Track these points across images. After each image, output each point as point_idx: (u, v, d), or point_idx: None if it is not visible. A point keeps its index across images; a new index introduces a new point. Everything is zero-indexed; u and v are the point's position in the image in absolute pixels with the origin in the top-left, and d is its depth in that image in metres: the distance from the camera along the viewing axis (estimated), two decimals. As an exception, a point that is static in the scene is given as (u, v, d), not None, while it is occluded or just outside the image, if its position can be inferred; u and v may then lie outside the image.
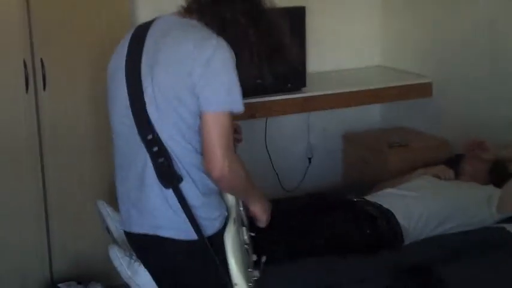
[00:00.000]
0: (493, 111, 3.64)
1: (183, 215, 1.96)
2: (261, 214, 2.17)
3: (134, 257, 2.33)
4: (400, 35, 4.36)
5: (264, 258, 2.17)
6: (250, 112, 3.61)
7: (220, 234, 2.02)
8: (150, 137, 1.94)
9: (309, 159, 4.40)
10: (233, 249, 2.00)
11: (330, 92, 3.88)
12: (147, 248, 2.08)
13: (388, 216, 3.04)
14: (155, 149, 1.94)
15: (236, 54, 1.92)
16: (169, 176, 1.95)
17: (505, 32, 3.53)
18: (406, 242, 2.99)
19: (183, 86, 1.88)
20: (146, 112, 1.94)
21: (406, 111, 4.34)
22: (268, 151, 4.20)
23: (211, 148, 1.87)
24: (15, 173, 3.16)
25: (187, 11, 2.02)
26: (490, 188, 3.25)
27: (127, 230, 2.11)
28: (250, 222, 2.23)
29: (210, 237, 1.99)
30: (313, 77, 4.02)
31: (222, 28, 1.95)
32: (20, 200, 3.18)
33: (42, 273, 3.28)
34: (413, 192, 3.22)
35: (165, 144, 1.94)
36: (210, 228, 2.00)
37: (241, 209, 2.16)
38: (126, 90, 1.98)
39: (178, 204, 1.95)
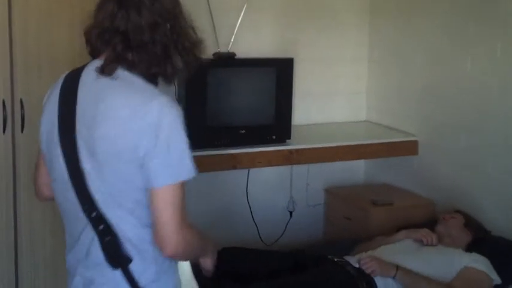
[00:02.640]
0: (482, 173, 3.59)
1: None
2: (210, 266, 2.07)
3: None
4: (386, 91, 4.35)
5: None
6: (232, 163, 3.56)
7: None
8: (94, 214, 1.81)
9: (290, 212, 4.33)
10: None
11: (315, 145, 3.83)
12: None
13: (367, 278, 2.98)
14: (101, 227, 1.81)
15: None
16: (117, 256, 1.82)
17: (494, 91, 3.50)
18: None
19: (127, 162, 1.74)
20: (87, 189, 1.81)
21: (391, 168, 4.30)
22: (249, 202, 4.12)
23: (163, 226, 1.74)
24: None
25: (109, 66, 1.82)
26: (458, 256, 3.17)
27: None
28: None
29: None
30: (299, 129, 3.98)
31: (144, 63, 1.80)
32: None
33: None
34: (394, 256, 3.13)
35: (110, 221, 1.81)
36: None
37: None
38: (63, 163, 1.84)
39: (128, 286, 1.83)
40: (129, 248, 1.83)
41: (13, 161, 3.05)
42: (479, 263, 3.08)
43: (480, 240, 3.33)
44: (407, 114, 4.16)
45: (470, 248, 3.27)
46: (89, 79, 1.85)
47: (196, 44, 1.91)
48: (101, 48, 1.84)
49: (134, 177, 1.76)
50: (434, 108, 3.93)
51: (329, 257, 3.15)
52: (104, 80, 1.82)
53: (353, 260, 3.11)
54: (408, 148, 4.06)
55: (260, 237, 4.13)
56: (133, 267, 1.83)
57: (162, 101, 1.74)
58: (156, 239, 1.76)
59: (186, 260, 1.98)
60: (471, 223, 3.41)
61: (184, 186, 1.76)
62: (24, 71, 3.01)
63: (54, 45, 3.03)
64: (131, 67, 1.82)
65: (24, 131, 3.04)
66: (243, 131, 3.63)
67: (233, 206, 4.06)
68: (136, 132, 1.72)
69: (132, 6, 1.81)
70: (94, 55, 1.88)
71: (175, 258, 1.84)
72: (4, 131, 3.00)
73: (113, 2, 1.83)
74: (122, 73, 1.81)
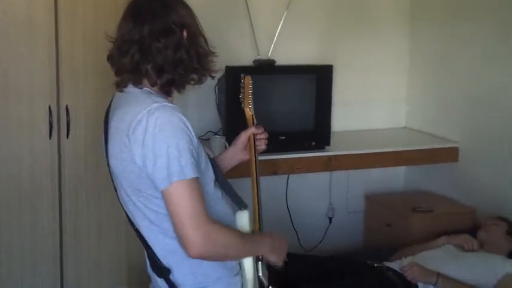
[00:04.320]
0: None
1: None
2: (274, 259, 2.06)
3: None
4: (426, 97, 4.32)
5: None
6: (272, 169, 3.59)
7: None
8: (135, 228, 1.93)
9: (330, 219, 4.33)
10: None
11: (354, 152, 3.83)
12: None
13: (408, 283, 2.98)
14: (142, 239, 1.92)
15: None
16: (158, 267, 1.90)
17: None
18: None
19: (135, 174, 1.82)
20: (122, 205, 1.95)
21: (431, 175, 4.27)
22: (288, 208, 4.14)
23: (179, 227, 1.76)
24: (33, 219, 3.13)
25: (121, 82, 1.93)
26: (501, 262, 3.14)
27: None
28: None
29: None
30: (338, 136, 3.98)
31: (157, 70, 1.88)
32: (36, 244, 3.15)
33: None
34: (435, 262, 3.12)
35: (144, 234, 1.90)
36: None
37: (260, 274, 2.05)
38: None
39: None
40: (165, 260, 1.90)
41: (59, 165, 3.13)
42: None
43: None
44: (448, 120, 4.14)
45: (512, 256, 3.25)
46: (114, 98, 1.98)
47: (207, 53, 1.96)
48: (122, 62, 1.91)
49: (146, 187, 1.82)
50: (476, 115, 3.90)
51: (368, 262, 3.16)
52: (118, 96, 1.95)
53: (393, 266, 3.11)
54: (448, 155, 4.03)
55: (300, 243, 4.14)
56: (173, 277, 1.90)
57: (151, 109, 1.79)
58: (180, 242, 1.79)
59: (225, 260, 1.95)
60: None
61: (188, 185, 1.76)
62: (70, 78, 3.10)
63: (99, 53, 3.06)
64: (143, 78, 1.89)
65: (69, 137, 3.12)
66: (283, 137, 3.66)
67: (273, 212, 4.05)
68: (132, 144, 1.79)
69: (146, 16, 1.89)
70: (118, 74, 1.95)
71: (204, 258, 1.83)
72: (50, 137, 3.09)
73: (129, 18, 1.92)
74: (129, 88, 1.91)
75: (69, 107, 3.10)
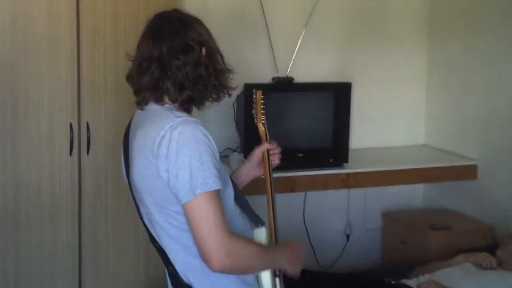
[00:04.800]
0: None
1: None
2: (291, 270, 2.05)
3: None
4: (445, 114, 4.32)
5: None
6: (289, 185, 3.61)
7: None
8: (157, 245, 1.95)
9: (347, 236, 4.33)
10: None
11: (372, 169, 3.84)
12: None
13: (426, 301, 2.97)
14: (163, 257, 1.94)
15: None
16: (179, 284, 1.92)
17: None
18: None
19: (158, 190, 1.84)
20: (145, 223, 1.98)
21: (449, 192, 4.26)
22: (306, 225, 4.15)
23: (201, 241, 1.77)
24: (53, 234, 3.16)
25: (142, 100, 1.96)
26: None
27: None
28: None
29: None
30: (356, 153, 3.99)
31: (177, 87, 1.91)
32: (56, 259, 3.18)
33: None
34: (453, 280, 3.11)
35: (166, 252, 1.92)
36: None
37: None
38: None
39: None
40: (185, 277, 1.91)
41: (79, 181, 3.17)
42: None
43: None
44: (467, 138, 4.13)
45: (531, 275, 3.22)
46: (135, 116, 2.01)
47: (225, 70, 1.99)
48: (142, 80, 1.94)
49: (168, 203, 1.84)
50: (495, 132, 3.89)
51: (386, 279, 3.15)
52: (138, 114, 1.98)
53: (411, 283, 3.10)
54: (467, 172, 4.02)
55: (317, 261, 4.14)
56: None
57: (174, 123, 1.82)
58: (201, 256, 1.80)
59: (247, 273, 1.96)
60: None
61: (211, 198, 1.78)
62: (90, 95, 3.14)
63: (118, 72, 3.14)
64: (164, 95, 1.92)
65: (89, 153, 3.15)
66: (301, 155, 3.67)
67: (290, 229, 4.06)
68: (156, 159, 1.81)
69: (165, 34, 1.93)
70: (137, 93, 1.98)
71: (226, 272, 1.84)
72: (71, 153, 3.13)
73: (148, 36, 1.96)
74: (150, 105, 1.94)
75: (89, 123, 3.14)
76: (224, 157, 3.60)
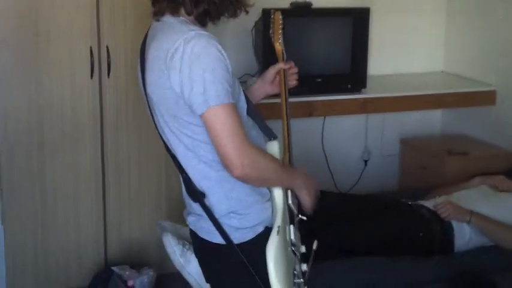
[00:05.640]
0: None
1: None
2: (305, 197, 2.06)
3: (187, 246, 2.36)
4: (464, 41, 4.29)
5: (315, 245, 2.05)
6: (308, 110, 3.63)
7: (256, 243, 1.96)
8: (171, 153, 1.99)
9: (365, 161, 4.37)
10: (275, 261, 1.90)
11: (390, 94, 3.85)
12: (193, 242, 2.12)
13: (442, 222, 3.02)
14: (178, 163, 1.98)
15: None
16: (193, 191, 1.97)
17: None
18: (457, 248, 2.97)
19: (173, 100, 1.86)
20: (159, 131, 2.00)
21: (467, 118, 4.27)
22: (324, 151, 4.19)
23: (221, 148, 1.81)
24: (76, 158, 3.24)
25: (158, 11, 1.96)
26: None
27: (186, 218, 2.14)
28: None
29: (242, 245, 1.97)
30: (374, 79, 3.99)
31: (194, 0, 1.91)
32: (79, 181, 3.27)
33: (98, 256, 3.37)
34: (469, 201, 3.15)
35: (179, 159, 1.96)
36: (240, 237, 1.97)
37: (290, 202, 2.06)
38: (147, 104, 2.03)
39: (207, 216, 1.97)
40: (199, 184, 1.96)
41: (100, 104, 3.22)
42: None
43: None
44: (486, 64, 4.10)
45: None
46: (151, 28, 2.01)
47: None
48: None
49: (182, 113, 1.87)
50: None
51: (403, 200, 3.20)
52: (154, 25, 1.99)
53: (427, 204, 3.15)
54: (486, 98, 4.01)
55: (335, 185, 4.20)
56: (208, 201, 1.96)
57: (188, 37, 1.83)
58: (223, 163, 1.84)
59: (265, 184, 2.00)
60: None
61: (225, 109, 1.80)
62: (110, 19, 3.16)
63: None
64: (179, 7, 1.93)
65: (110, 76, 3.20)
66: (319, 80, 3.69)
67: (309, 154, 4.12)
68: (170, 71, 1.83)
69: None
70: (154, 4, 1.98)
71: (245, 180, 1.87)
72: (92, 77, 3.17)
73: None
74: (166, 17, 1.94)
75: (109, 47, 3.17)
76: (242, 82, 3.61)
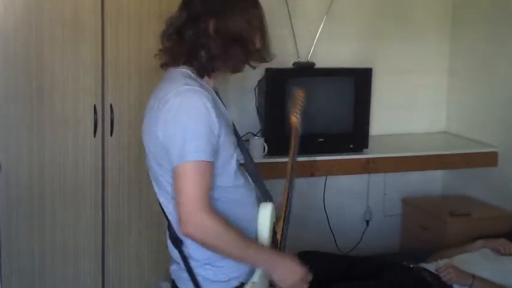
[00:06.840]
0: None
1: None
2: (281, 284, 1.99)
3: None
4: (466, 102, 4.32)
5: None
6: (310, 170, 3.63)
7: None
8: (158, 200, 2.04)
9: (367, 221, 4.35)
10: None
11: (391, 155, 3.86)
12: None
13: (444, 284, 2.99)
14: (163, 211, 2.03)
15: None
16: (174, 238, 2.00)
17: None
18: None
19: (158, 150, 1.92)
20: (151, 177, 2.05)
21: (469, 179, 4.26)
22: (325, 210, 4.17)
23: (178, 204, 1.85)
24: (77, 214, 3.22)
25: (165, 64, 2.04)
26: None
27: None
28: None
29: None
30: (377, 139, 4.01)
31: (188, 53, 1.96)
32: (79, 239, 3.24)
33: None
34: (471, 264, 3.13)
35: (163, 207, 2.02)
36: None
37: (253, 281, 1.99)
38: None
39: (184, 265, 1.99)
40: (179, 232, 1.97)
41: (102, 163, 3.22)
42: None
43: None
44: (488, 125, 4.13)
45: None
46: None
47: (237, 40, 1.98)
48: (168, 46, 2.02)
49: (165, 161, 1.92)
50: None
51: (404, 263, 3.18)
52: (163, 77, 2.05)
53: (429, 267, 3.13)
54: (487, 159, 4.02)
55: (336, 245, 4.17)
56: (185, 249, 1.99)
57: (180, 89, 1.89)
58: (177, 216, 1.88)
59: (209, 249, 1.92)
60: None
61: (197, 167, 1.83)
62: (114, 77, 3.19)
63: (142, 54, 3.19)
64: (178, 59, 1.99)
65: (113, 135, 3.20)
66: (321, 139, 3.70)
67: (310, 213, 4.11)
68: (159, 121, 1.89)
69: (187, 3, 2.00)
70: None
71: (193, 239, 1.88)
72: (95, 135, 3.18)
73: (180, 8, 2.03)
74: (171, 68, 2.01)
75: (113, 105, 3.19)
76: (245, 141, 3.63)
